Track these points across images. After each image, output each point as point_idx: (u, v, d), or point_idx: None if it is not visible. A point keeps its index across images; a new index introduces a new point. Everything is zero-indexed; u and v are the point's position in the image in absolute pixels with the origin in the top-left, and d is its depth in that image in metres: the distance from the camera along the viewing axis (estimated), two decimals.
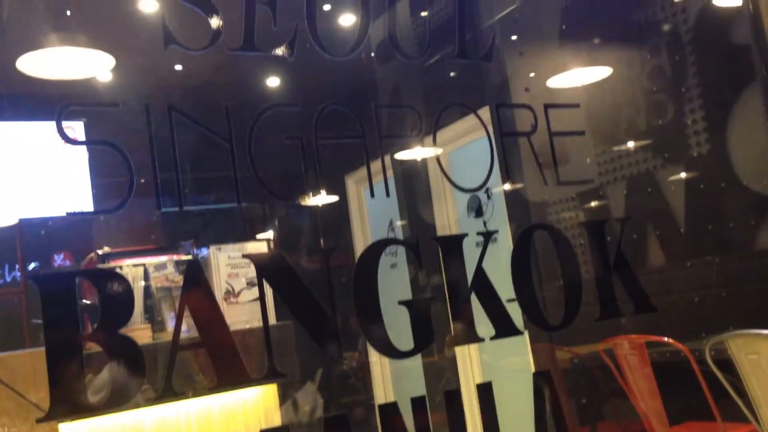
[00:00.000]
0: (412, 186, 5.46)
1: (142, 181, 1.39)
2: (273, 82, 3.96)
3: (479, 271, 1.52)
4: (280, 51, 1.46)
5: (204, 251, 5.35)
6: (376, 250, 1.49)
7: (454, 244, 1.53)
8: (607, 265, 1.64)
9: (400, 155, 4.84)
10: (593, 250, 1.66)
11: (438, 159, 2.08)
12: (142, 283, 3.22)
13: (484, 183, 1.66)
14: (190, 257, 3.61)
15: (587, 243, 1.67)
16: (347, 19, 1.86)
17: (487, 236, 1.57)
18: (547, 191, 4.28)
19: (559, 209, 4.46)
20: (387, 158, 1.71)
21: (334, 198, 6.12)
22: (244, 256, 1.60)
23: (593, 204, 4.38)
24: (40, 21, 3.30)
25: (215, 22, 1.34)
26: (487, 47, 1.65)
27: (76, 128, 4.02)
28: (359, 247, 6.34)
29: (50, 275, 1.14)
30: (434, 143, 1.81)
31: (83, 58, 3.01)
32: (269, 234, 6.00)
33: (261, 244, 3.54)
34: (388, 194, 1.53)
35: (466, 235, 1.53)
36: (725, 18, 3.49)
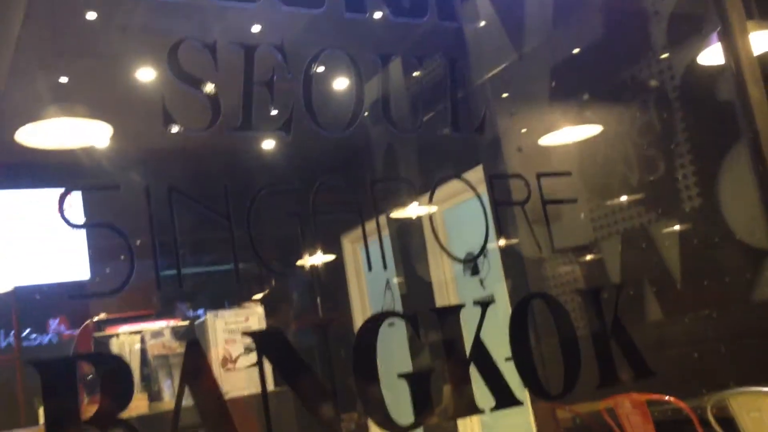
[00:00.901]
0: (408, 244, 5.48)
1: (138, 242, 1.40)
2: (269, 144, 4.01)
3: (478, 342, 1.52)
4: (277, 125, 1.49)
5: (201, 313, 5.33)
6: (374, 323, 1.49)
7: (451, 315, 1.54)
8: (604, 332, 1.65)
9: (396, 214, 4.88)
10: (590, 319, 1.67)
11: (432, 224, 2.09)
12: (138, 346, 3.20)
13: (480, 252, 1.68)
14: (186, 323, 3.59)
15: (583, 311, 1.68)
16: (341, 83, 1.89)
17: (484, 306, 1.58)
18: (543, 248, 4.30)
19: (555, 264, 4.47)
20: (383, 221, 1.72)
21: (331, 257, 6.13)
22: (244, 333, 1.60)
23: (589, 258, 4.40)
24: (38, 92, 3.36)
25: (213, 103, 1.38)
26: (480, 119, 1.69)
27: (73, 196, 4.04)
28: (356, 306, 6.33)
29: (51, 361, 1.14)
30: (430, 201, 1.83)
31: (81, 128, 3.06)
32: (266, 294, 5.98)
33: (258, 305, 3.53)
34: (385, 267, 1.55)
35: (463, 305, 1.54)
36: (710, 75, 3.56)
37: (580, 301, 1.82)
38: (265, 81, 1.42)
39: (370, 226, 1.64)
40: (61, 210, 1.27)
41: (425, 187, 1.86)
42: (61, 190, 1.52)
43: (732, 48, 2.26)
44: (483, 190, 1.87)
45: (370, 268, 1.54)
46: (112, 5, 3.34)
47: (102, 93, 3.55)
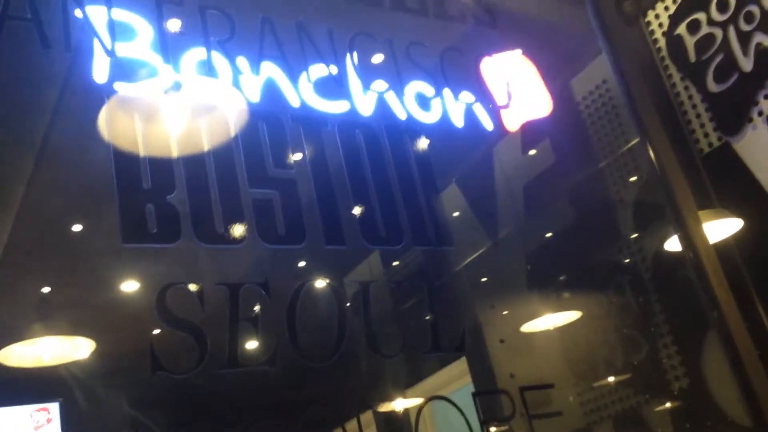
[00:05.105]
0: None
1: None
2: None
3: None
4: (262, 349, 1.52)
5: None
6: None
7: None
8: None
9: (383, 408, 4.78)
10: None
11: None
12: None
13: None
14: None
15: None
16: (324, 306, 1.93)
17: None
18: None
19: None
20: (368, 416, 1.71)
21: None
22: None
23: None
24: (21, 309, 3.38)
25: (200, 343, 1.40)
26: (459, 338, 1.73)
27: (51, 409, 3.94)
28: None
29: None
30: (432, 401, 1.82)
31: (64, 344, 3.06)
32: None
33: None
34: None
35: None
36: (680, 258, 3.68)
37: None
38: (249, 317, 1.46)
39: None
40: None
41: (412, 379, 1.88)
42: (38, 406, 1.51)
43: (689, 244, 2.36)
44: (468, 380, 1.89)
45: None
46: (97, 219, 3.45)
47: (86, 307, 3.57)
